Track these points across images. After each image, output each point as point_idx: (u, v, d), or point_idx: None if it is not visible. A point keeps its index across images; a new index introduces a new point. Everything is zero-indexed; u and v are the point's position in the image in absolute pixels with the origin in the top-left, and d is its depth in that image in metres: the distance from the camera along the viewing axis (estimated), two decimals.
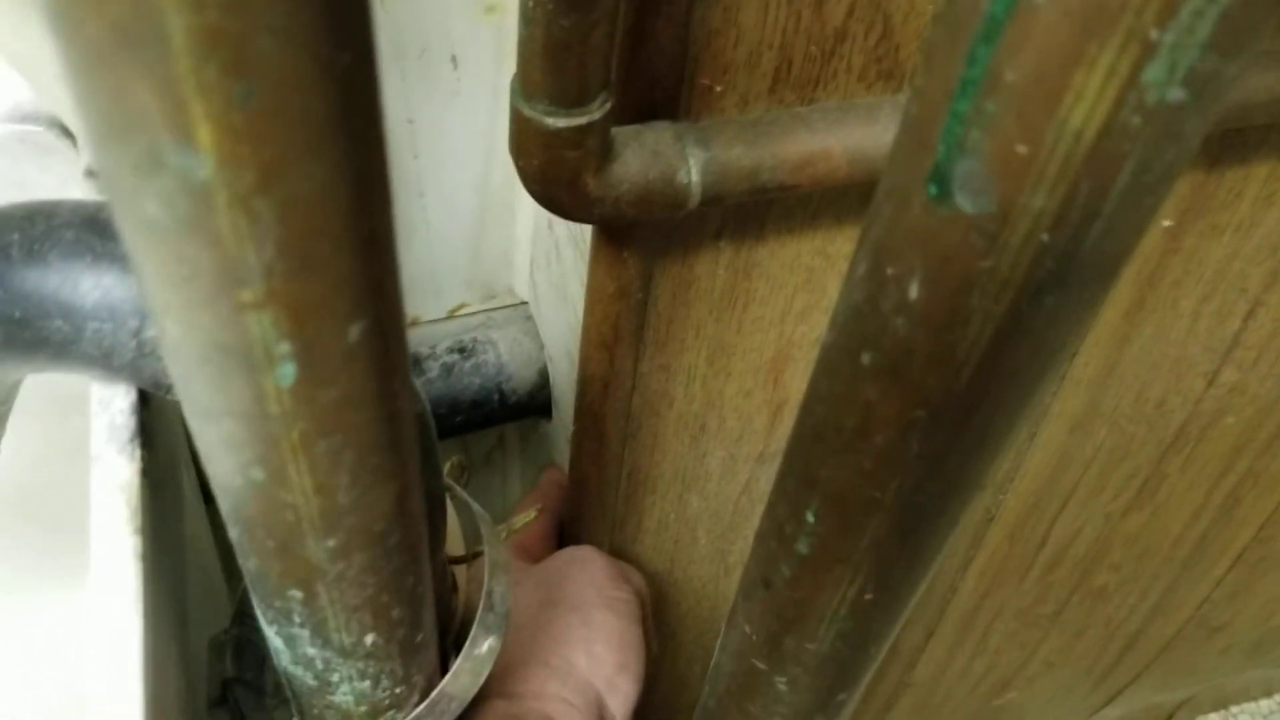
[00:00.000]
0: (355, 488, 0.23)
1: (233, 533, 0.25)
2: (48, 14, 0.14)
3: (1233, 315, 0.60)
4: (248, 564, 0.25)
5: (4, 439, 0.32)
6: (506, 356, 0.62)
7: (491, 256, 0.61)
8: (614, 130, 0.36)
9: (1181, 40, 0.17)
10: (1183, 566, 0.86)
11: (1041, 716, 1.06)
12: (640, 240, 0.42)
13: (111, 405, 0.29)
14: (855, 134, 0.39)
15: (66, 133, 0.41)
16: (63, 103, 0.41)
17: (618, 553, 0.59)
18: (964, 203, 0.20)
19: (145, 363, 0.27)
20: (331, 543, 0.24)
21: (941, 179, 0.20)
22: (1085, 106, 0.18)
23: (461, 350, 0.62)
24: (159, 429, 0.34)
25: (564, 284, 0.50)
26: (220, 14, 0.13)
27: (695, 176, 0.36)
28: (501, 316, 0.63)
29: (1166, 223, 0.52)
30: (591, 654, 0.45)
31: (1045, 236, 0.20)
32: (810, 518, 0.30)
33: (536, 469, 0.67)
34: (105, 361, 0.26)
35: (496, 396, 0.62)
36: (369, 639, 0.27)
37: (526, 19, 0.30)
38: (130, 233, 0.17)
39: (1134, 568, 0.83)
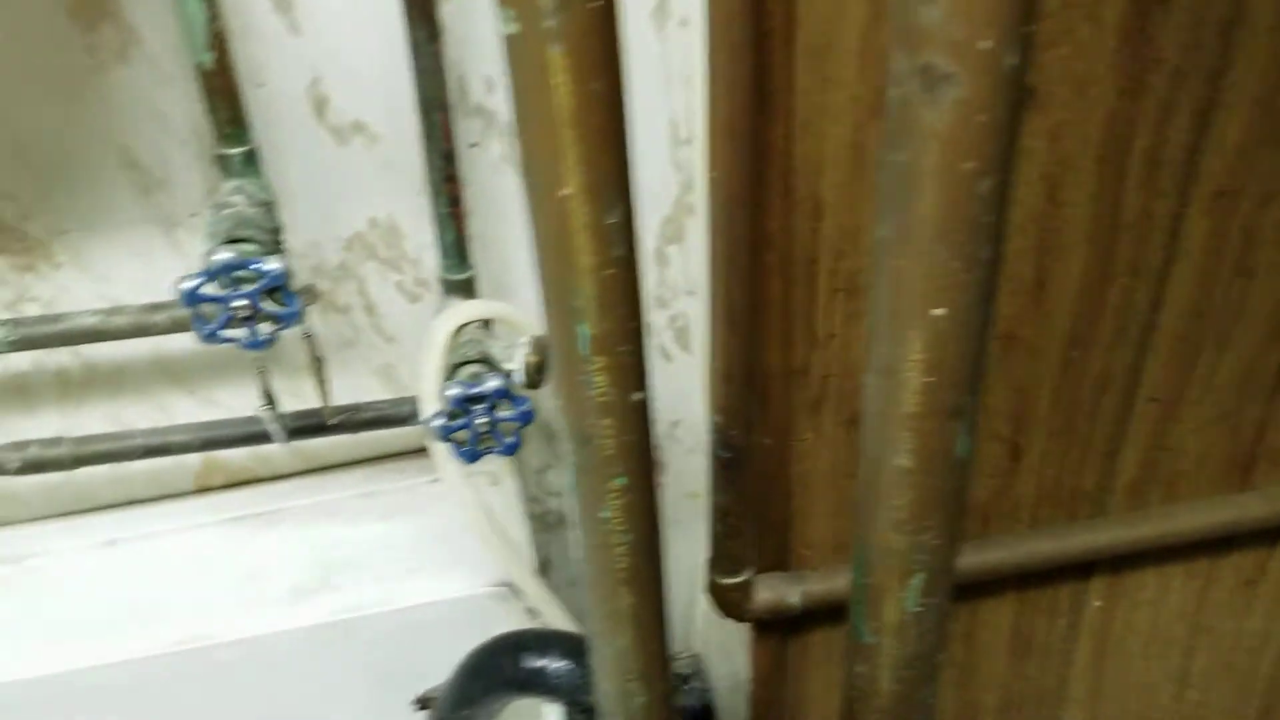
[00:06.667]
0: None
1: None
2: None
3: None
4: None
5: None
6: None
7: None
8: (757, 576, 0.75)
9: None
10: None
11: None
12: (778, 627, 0.79)
13: None
14: None
15: None
16: None
17: None
18: None
19: None
20: None
21: None
22: None
23: (682, 679, 0.99)
24: None
25: (730, 651, 0.87)
26: None
27: (797, 600, 0.74)
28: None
29: None
30: None
31: None
32: None
33: None
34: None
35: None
36: None
37: (712, 534, 0.70)
38: None
39: None
